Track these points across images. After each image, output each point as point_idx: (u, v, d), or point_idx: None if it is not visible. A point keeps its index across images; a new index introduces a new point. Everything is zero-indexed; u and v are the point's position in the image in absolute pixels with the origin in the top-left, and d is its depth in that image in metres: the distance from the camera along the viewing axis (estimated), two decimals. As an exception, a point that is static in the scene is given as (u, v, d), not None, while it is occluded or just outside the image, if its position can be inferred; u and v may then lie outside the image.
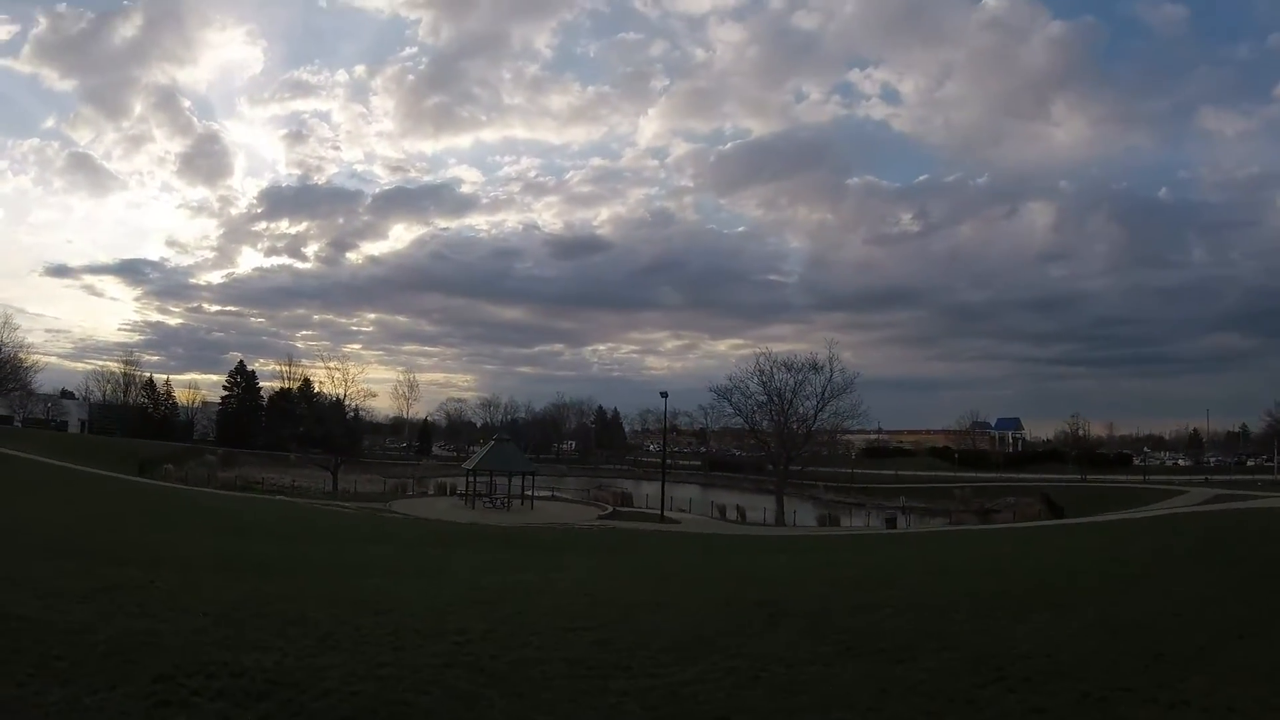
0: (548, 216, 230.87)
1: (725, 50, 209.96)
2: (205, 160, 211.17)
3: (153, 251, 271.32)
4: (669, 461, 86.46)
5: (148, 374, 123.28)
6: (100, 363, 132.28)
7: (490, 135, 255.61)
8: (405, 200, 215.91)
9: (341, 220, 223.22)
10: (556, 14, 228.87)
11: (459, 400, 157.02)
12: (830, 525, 54.70)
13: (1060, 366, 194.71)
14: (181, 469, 68.95)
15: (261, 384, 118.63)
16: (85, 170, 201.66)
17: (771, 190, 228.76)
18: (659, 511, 52.21)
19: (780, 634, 9.57)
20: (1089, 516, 41.78)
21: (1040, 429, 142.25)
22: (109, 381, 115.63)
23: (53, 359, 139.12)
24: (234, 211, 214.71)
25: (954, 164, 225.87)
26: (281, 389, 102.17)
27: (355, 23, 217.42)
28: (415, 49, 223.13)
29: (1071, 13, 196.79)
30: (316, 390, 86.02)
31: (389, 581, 14.49)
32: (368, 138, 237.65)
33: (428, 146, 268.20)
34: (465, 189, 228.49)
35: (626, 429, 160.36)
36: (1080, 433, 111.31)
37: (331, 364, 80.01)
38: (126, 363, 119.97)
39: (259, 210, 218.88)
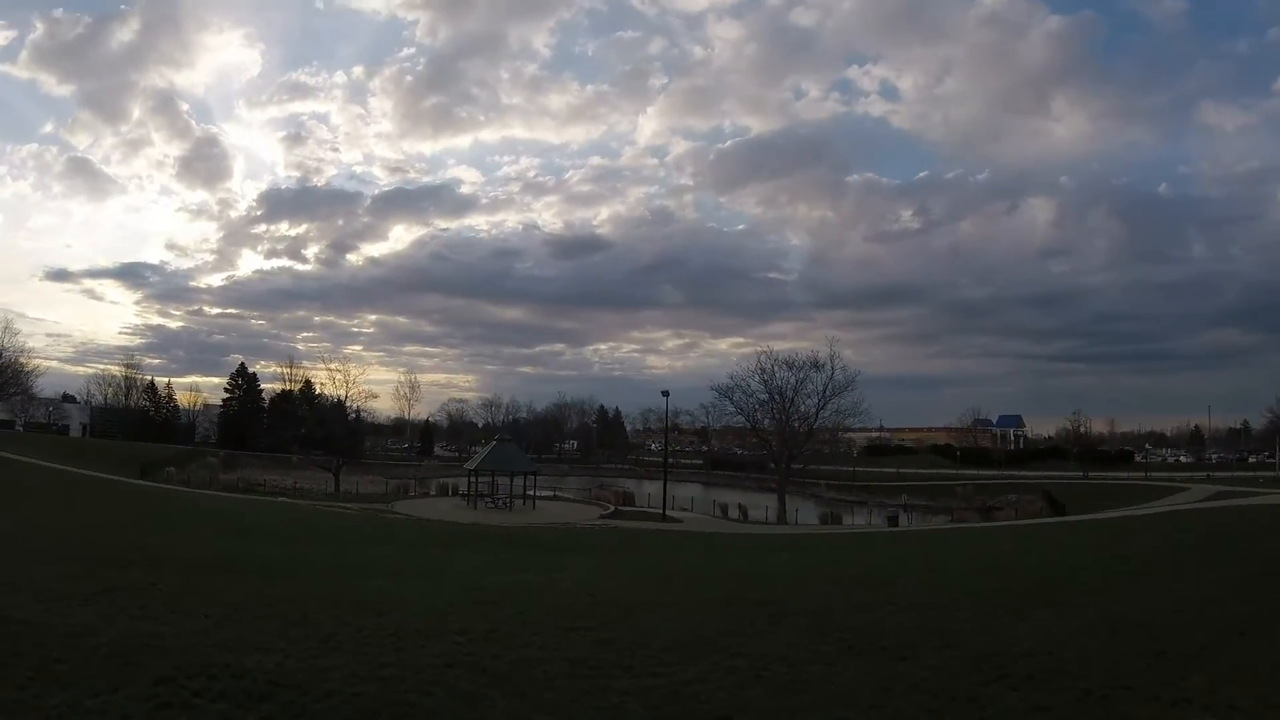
0: (547, 216, 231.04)
1: (723, 48, 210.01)
2: (204, 163, 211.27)
3: (153, 255, 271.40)
4: (671, 460, 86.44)
5: (149, 377, 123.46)
6: (101, 366, 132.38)
7: (489, 135, 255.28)
8: (405, 201, 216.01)
9: (341, 222, 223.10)
10: (554, 13, 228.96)
11: (460, 401, 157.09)
12: (832, 523, 54.76)
13: (1061, 363, 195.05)
14: (183, 471, 69.11)
15: (263, 386, 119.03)
16: (84, 174, 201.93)
17: (771, 188, 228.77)
18: (661, 511, 52.33)
19: (782, 633, 9.56)
20: (1091, 514, 41.81)
21: (1042, 426, 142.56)
22: (110, 385, 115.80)
23: (54, 363, 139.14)
24: (233, 214, 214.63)
25: (954, 160, 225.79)
26: (283, 391, 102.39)
27: (352, 24, 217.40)
28: (413, 50, 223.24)
29: (1070, 7, 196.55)
30: (318, 392, 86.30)
31: (391, 582, 14.49)
32: (366, 139, 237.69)
33: (427, 147, 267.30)
34: (465, 189, 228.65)
35: (628, 428, 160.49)
36: (1082, 430, 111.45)
37: (332, 365, 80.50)
38: (127, 366, 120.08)
39: (258, 213, 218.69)
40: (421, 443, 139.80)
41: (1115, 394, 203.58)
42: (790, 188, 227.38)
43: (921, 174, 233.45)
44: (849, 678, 7.62)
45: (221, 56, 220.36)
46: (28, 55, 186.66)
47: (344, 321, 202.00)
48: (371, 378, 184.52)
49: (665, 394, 62.26)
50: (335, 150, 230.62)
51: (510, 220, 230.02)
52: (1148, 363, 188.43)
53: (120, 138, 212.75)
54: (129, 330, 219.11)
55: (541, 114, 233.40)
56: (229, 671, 7.15)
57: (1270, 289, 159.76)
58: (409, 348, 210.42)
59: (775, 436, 62.06)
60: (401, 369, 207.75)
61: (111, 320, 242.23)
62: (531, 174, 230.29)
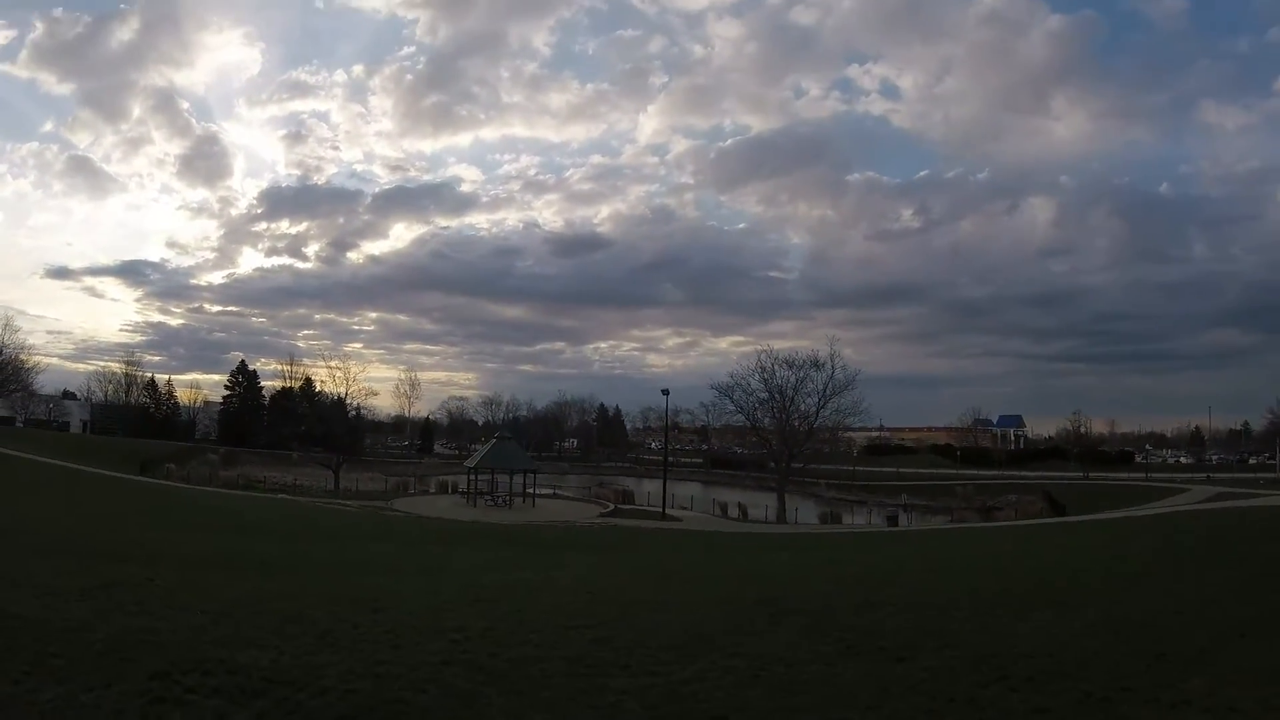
0: (548, 214, 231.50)
1: (724, 46, 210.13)
2: (204, 162, 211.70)
3: (153, 253, 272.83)
4: (670, 459, 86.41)
5: (149, 374, 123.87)
6: (102, 363, 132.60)
7: (489, 134, 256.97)
8: (405, 199, 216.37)
9: (342, 220, 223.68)
10: (554, 12, 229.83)
11: (460, 398, 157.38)
12: (832, 523, 54.65)
13: (1061, 363, 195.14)
14: (183, 468, 69.06)
15: (263, 383, 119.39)
16: (85, 173, 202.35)
17: (772, 187, 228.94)
18: (660, 509, 52.24)
19: (781, 632, 9.53)
20: (1091, 514, 41.73)
21: (1042, 426, 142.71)
22: (110, 382, 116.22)
23: (54, 360, 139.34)
24: (234, 212, 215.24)
25: (954, 159, 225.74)
26: (283, 388, 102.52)
27: (352, 23, 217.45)
28: (413, 48, 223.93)
29: (1070, 6, 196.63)
30: (318, 389, 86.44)
31: (389, 580, 14.45)
32: (367, 137, 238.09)
33: (427, 145, 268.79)
34: (465, 188, 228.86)
35: (628, 426, 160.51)
36: (1082, 430, 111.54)
37: (333, 363, 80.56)
38: (128, 363, 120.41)
39: (259, 211, 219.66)
40: (421, 440, 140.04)
41: (1116, 394, 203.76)
42: (791, 186, 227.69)
43: (922, 173, 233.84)
44: (848, 678, 7.58)
45: (221, 55, 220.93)
46: (28, 54, 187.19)
47: (344, 319, 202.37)
48: (372, 375, 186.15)
49: (665, 392, 62.29)
50: (336, 149, 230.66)
51: (511, 218, 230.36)
52: (1148, 363, 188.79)
53: (120, 136, 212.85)
54: (130, 327, 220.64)
55: (542, 112, 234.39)
56: (224, 667, 7.12)
57: (1271, 289, 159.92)
58: (409, 345, 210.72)
59: (775, 435, 62.01)
60: (402, 367, 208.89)
61: (112, 318, 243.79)
62: (532, 172, 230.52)
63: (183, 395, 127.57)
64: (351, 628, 9.06)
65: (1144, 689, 7.05)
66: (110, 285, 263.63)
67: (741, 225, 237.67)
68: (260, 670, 7.13)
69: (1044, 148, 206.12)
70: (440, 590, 12.99)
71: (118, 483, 44.35)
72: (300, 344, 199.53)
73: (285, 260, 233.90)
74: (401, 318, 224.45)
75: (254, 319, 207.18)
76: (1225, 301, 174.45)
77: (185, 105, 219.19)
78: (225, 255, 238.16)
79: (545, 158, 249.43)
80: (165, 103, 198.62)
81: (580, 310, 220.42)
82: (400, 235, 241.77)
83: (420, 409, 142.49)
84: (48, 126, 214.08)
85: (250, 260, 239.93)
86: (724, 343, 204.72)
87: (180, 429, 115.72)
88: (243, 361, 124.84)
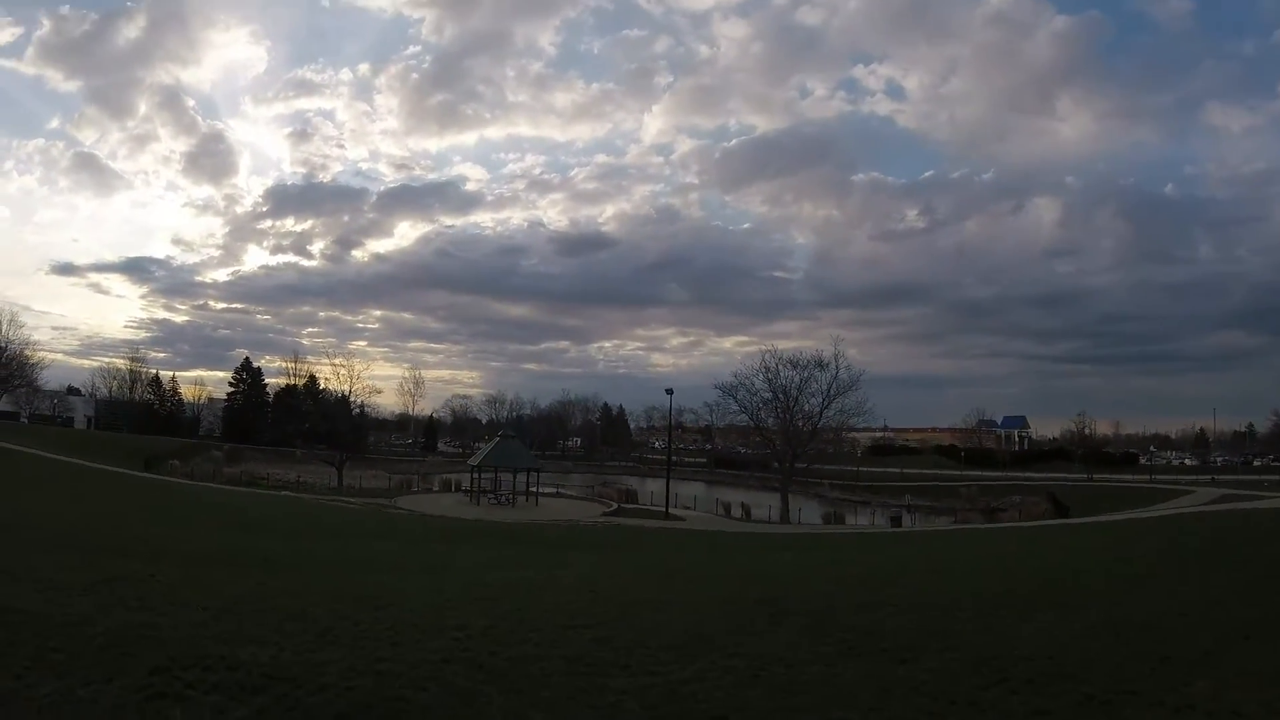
0: (553, 213, 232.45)
1: (729, 46, 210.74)
2: (210, 159, 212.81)
3: (158, 249, 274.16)
4: (674, 458, 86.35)
5: (154, 371, 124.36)
6: (106, 359, 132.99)
7: (495, 133, 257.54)
8: (410, 198, 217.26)
9: (347, 218, 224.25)
10: (560, 11, 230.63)
11: (464, 397, 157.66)
12: (835, 523, 54.60)
13: (1066, 364, 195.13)
14: (187, 464, 69.32)
15: (267, 380, 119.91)
16: (90, 170, 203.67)
17: (777, 187, 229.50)
18: (663, 509, 52.21)
19: (782, 633, 9.50)
20: (1095, 516, 41.64)
21: (1046, 427, 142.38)
22: (115, 378, 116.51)
23: (59, 356, 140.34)
24: (239, 210, 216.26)
25: (959, 160, 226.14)
26: (287, 385, 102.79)
27: (358, 22, 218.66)
28: (419, 47, 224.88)
29: (1076, 7, 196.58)
30: (322, 387, 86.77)
31: (391, 577, 14.46)
32: (372, 136, 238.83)
33: (432, 144, 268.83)
34: (470, 186, 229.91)
35: (632, 426, 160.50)
36: (1086, 431, 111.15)
37: (337, 361, 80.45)
38: (133, 359, 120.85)
39: (264, 208, 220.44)
40: (425, 438, 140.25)
41: (1120, 395, 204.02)
42: (796, 186, 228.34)
43: (927, 173, 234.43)
44: (848, 679, 7.55)
45: (228, 53, 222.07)
46: (34, 51, 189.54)
47: (349, 317, 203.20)
48: (376, 373, 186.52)
49: (669, 392, 62.04)
50: (341, 147, 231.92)
51: (515, 217, 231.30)
52: (1153, 364, 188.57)
53: (126, 133, 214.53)
54: (134, 324, 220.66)
55: (547, 112, 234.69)
56: (224, 663, 7.11)
57: (1277, 291, 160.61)
58: (414, 344, 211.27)
59: (779, 435, 61.96)
60: (406, 365, 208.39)
61: (117, 314, 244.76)
62: (537, 171, 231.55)
63: (187, 392, 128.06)
64: (353, 625, 9.05)
65: (1147, 692, 7.02)
66: (115, 282, 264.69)
67: (746, 225, 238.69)
68: (260, 667, 7.12)
69: (1049, 148, 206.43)
70: (442, 588, 12.98)
71: (121, 479, 44.47)
72: (305, 341, 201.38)
73: (290, 258, 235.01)
74: (406, 316, 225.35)
75: (259, 316, 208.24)
76: (1231, 303, 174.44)
77: (191, 103, 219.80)
78: (230, 252, 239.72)
79: (550, 157, 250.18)
80: (171, 100, 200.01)
81: (584, 309, 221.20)
82: (405, 233, 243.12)
83: (424, 407, 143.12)
84: (54, 123, 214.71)
85: (255, 258, 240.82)
86: (728, 342, 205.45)
87: (184, 426, 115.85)
88: (247, 359, 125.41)
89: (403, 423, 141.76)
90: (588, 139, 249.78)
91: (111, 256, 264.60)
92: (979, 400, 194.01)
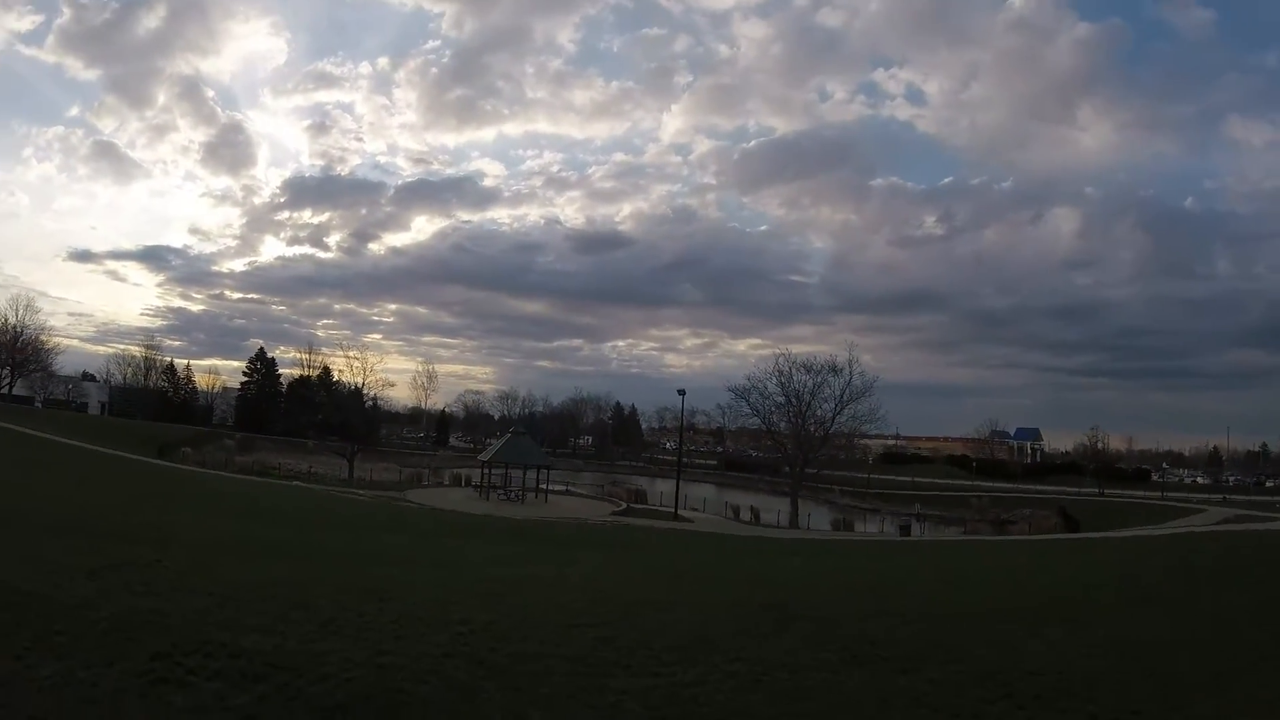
0: (570, 211, 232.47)
1: (749, 47, 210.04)
2: (229, 150, 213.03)
3: (176, 239, 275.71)
4: (685, 460, 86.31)
5: (169, 359, 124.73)
6: (122, 347, 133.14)
7: (513, 129, 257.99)
8: (427, 192, 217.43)
9: (364, 211, 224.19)
10: (580, 9, 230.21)
11: (477, 392, 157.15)
12: (844, 530, 54.44)
13: (1082, 377, 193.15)
14: (199, 453, 69.55)
15: (281, 371, 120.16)
16: (109, 158, 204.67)
17: (795, 189, 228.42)
18: (672, 510, 52.13)
19: (786, 638, 9.45)
20: (1105, 532, 41.39)
21: (1059, 440, 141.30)
22: (130, 365, 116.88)
23: (75, 342, 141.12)
24: (257, 201, 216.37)
25: (979, 167, 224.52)
26: (301, 376, 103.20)
27: (378, 15, 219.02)
28: (438, 42, 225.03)
29: (1098, 15, 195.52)
30: (336, 379, 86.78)
31: (398, 570, 14.45)
32: (390, 130, 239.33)
33: (450, 139, 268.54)
34: (487, 182, 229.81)
35: (644, 426, 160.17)
36: (1099, 446, 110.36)
37: (351, 353, 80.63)
38: (148, 347, 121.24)
39: (282, 200, 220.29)
40: (437, 433, 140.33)
41: (1135, 410, 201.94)
42: (814, 190, 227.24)
43: (946, 179, 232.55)
44: (850, 687, 7.50)
45: (248, 44, 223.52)
46: (55, 39, 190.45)
47: (364, 310, 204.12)
48: (389, 366, 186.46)
49: (682, 393, 62.03)
50: (359, 140, 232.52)
51: (532, 214, 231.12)
52: (1169, 380, 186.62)
53: (146, 123, 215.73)
54: (150, 312, 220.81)
55: (566, 109, 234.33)
56: (226, 651, 7.13)
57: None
58: (428, 338, 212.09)
59: (790, 440, 61.80)
60: (420, 359, 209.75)
61: (133, 302, 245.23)
62: (554, 169, 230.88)
63: (201, 380, 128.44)
64: (356, 616, 9.05)
65: (1153, 712, 6.94)
66: (132, 269, 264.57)
67: (763, 227, 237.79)
68: (262, 655, 7.13)
69: (1070, 157, 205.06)
70: (447, 582, 12.98)
71: (133, 465, 44.67)
72: (319, 333, 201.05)
73: (307, 250, 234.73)
74: (421, 310, 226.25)
75: (274, 307, 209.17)
76: (1249, 320, 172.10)
77: (210, 93, 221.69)
78: (247, 243, 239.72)
79: (568, 154, 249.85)
80: (191, 90, 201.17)
81: (599, 308, 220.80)
82: (422, 228, 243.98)
83: (437, 401, 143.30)
84: (74, 111, 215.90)
85: (272, 249, 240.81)
86: (742, 345, 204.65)
87: (198, 414, 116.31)
88: (262, 349, 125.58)
89: (415, 416, 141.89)
90: (606, 137, 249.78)
91: (129, 244, 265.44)
92: (993, 411, 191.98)
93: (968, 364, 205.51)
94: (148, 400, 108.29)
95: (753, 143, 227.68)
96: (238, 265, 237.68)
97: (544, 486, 56.82)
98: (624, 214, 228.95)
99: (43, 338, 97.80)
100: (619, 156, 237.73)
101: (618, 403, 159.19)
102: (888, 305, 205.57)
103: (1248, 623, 11.23)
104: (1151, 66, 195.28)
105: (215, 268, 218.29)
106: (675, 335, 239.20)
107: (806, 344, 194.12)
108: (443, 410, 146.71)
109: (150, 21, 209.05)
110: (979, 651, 9.01)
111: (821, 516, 62.93)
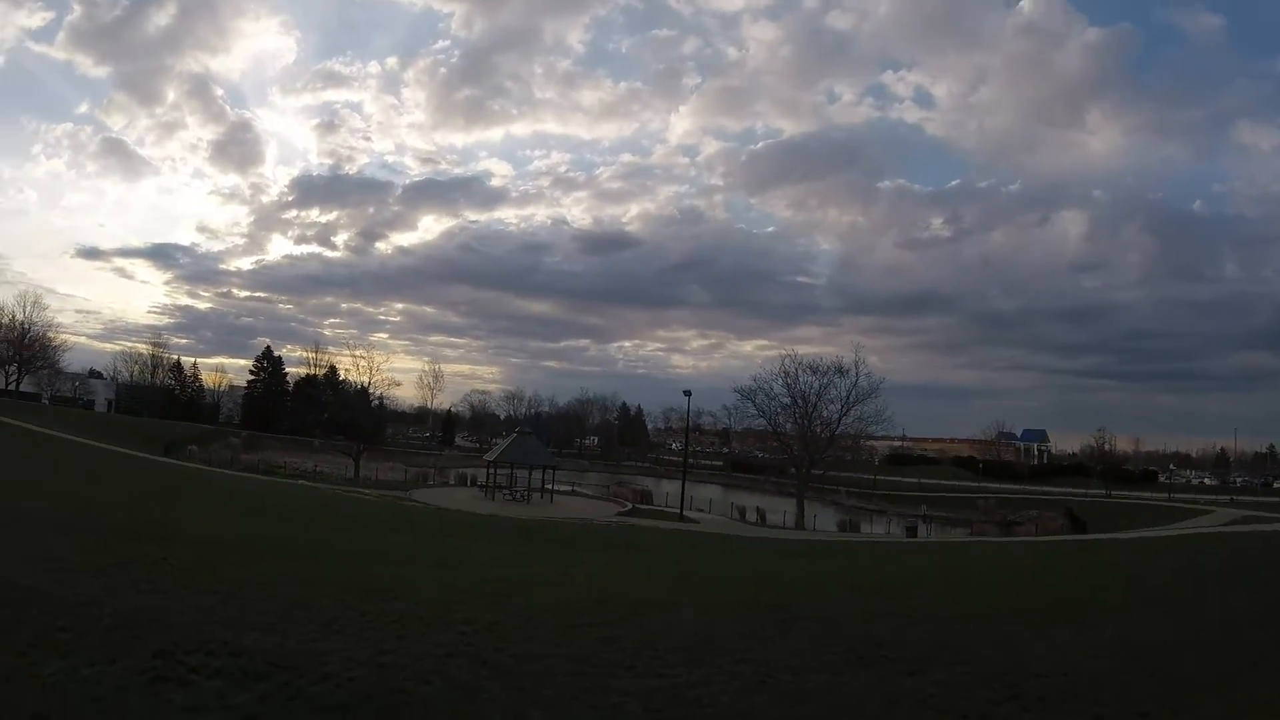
0: (577, 211, 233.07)
1: (758, 49, 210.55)
2: (237, 148, 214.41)
3: (184, 236, 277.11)
4: (691, 461, 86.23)
5: (175, 356, 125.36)
6: (129, 344, 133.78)
7: (521, 129, 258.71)
8: (435, 192, 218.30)
9: (371, 210, 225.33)
10: (589, 10, 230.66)
11: (483, 392, 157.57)
12: (850, 531, 54.35)
13: (1089, 379, 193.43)
14: (205, 451, 69.82)
15: (288, 370, 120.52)
16: (118, 155, 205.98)
17: (802, 191, 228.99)
18: (678, 510, 52.07)
19: (791, 640, 9.40)
20: (1112, 533, 41.24)
21: (1066, 442, 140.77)
22: (137, 362, 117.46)
23: (82, 339, 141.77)
24: (265, 199, 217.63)
25: (987, 169, 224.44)
26: (308, 375, 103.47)
27: (388, 15, 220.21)
28: (447, 42, 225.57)
29: (1108, 19, 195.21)
30: (342, 378, 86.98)
31: (402, 569, 14.44)
32: (399, 129, 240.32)
33: (458, 139, 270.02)
34: (495, 182, 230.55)
35: (650, 427, 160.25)
36: (1106, 447, 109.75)
37: (358, 352, 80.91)
38: (155, 345, 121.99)
39: (290, 198, 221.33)
40: (443, 432, 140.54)
41: (1142, 412, 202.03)
42: (821, 191, 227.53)
43: (954, 182, 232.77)
44: (855, 689, 7.45)
45: (257, 43, 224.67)
46: (65, 36, 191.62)
47: (371, 309, 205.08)
48: (396, 366, 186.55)
49: (688, 394, 61.88)
50: (367, 139, 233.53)
51: (540, 214, 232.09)
52: (1176, 382, 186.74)
53: (155, 120, 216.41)
54: (158, 310, 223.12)
55: (574, 109, 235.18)
56: (228, 649, 7.10)
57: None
58: (435, 338, 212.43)
59: (796, 441, 61.86)
60: (426, 358, 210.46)
61: (141, 299, 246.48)
62: (562, 169, 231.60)
63: (208, 378, 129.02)
64: (359, 615, 9.01)
65: (1158, 714, 6.88)
66: (140, 267, 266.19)
67: (770, 229, 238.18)
68: (264, 654, 7.11)
69: (1078, 161, 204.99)
70: (451, 582, 12.97)
71: (140, 463, 44.81)
72: (326, 332, 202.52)
73: (314, 248, 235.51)
74: (428, 310, 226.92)
75: (281, 305, 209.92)
76: (1256, 323, 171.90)
77: (220, 92, 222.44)
78: (255, 241, 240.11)
79: (576, 155, 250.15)
80: (200, 88, 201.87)
81: (606, 308, 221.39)
82: (429, 227, 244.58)
83: (443, 401, 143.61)
84: (83, 108, 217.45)
85: (279, 247, 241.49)
86: (749, 346, 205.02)
87: (204, 412, 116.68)
88: (268, 347, 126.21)
89: (421, 416, 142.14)
90: (614, 138, 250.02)
91: (137, 242, 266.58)
92: (999, 412, 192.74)
93: (975, 365, 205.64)
94: (154, 398, 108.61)
95: (761, 144, 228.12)
96: (245, 264, 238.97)
97: (549, 487, 56.89)
98: (631, 215, 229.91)
99: (50, 334, 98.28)
100: (627, 157, 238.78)
101: (624, 403, 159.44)
102: (895, 307, 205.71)
103: (1254, 624, 11.15)
104: (1160, 71, 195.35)
105: (223, 266, 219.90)
106: (682, 336, 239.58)
107: (813, 345, 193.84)
108: (449, 410, 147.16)
109: (160, 19, 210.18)
110: (985, 653, 8.96)
111: (828, 518, 62.91)
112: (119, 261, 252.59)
